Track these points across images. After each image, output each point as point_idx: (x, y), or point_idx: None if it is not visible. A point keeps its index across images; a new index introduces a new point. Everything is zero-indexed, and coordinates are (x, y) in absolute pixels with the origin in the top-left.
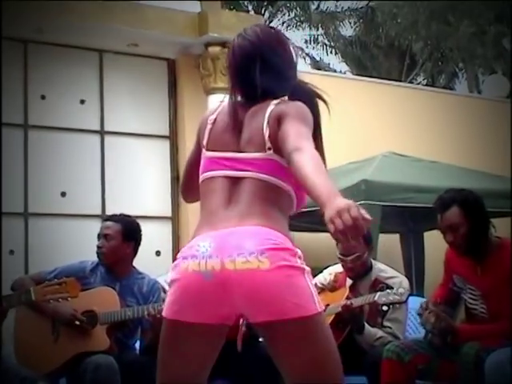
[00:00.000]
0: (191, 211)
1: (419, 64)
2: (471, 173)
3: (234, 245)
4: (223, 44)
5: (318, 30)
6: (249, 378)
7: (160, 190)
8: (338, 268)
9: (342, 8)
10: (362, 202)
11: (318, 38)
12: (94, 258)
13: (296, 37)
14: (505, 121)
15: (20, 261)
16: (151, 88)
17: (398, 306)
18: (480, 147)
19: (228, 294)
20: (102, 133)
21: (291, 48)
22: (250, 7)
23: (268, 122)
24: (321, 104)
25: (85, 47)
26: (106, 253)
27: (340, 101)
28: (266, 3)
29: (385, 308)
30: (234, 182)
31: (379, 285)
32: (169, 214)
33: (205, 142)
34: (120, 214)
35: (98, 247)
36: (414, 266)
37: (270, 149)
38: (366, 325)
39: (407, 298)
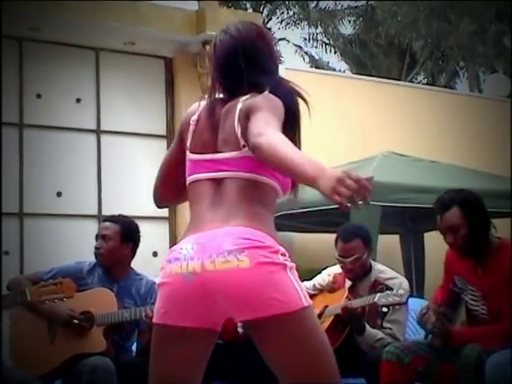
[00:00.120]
0: (188, 211)
1: (419, 63)
2: (471, 173)
3: (213, 246)
4: None
5: (317, 28)
6: (248, 379)
7: None
8: (337, 269)
9: (342, 6)
10: (362, 202)
11: (317, 37)
12: (91, 259)
13: (295, 35)
14: (506, 120)
15: (15, 261)
16: (148, 87)
17: (397, 307)
18: (480, 147)
19: (210, 295)
20: (98, 132)
21: (273, 45)
22: (248, 5)
23: (239, 119)
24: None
25: (81, 45)
26: (104, 254)
27: (339, 100)
28: (264, 1)
29: (384, 309)
30: (218, 183)
31: (379, 286)
32: (166, 214)
33: (188, 144)
34: (118, 215)
35: (96, 248)
36: (413, 267)
37: (244, 146)
38: (367, 326)
39: (407, 299)
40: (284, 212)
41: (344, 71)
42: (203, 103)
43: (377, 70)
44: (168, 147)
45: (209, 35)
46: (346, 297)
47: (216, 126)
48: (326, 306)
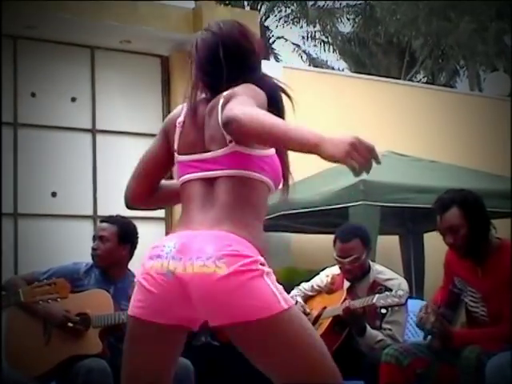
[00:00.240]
0: None
1: (419, 61)
2: (472, 173)
3: (195, 248)
4: None
5: (315, 26)
6: (245, 381)
7: None
8: (336, 270)
9: (340, 4)
10: (361, 202)
11: (315, 35)
12: (86, 260)
13: (293, 33)
14: (506, 119)
15: (9, 262)
16: (144, 86)
17: (397, 308)
18: (481, 146)
19: (187, 296)
20: (93, 131)
21: (256, 41)
22: (245, 3)
23: (221, 115)
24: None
25: (76, 44)
26: (101, 255)
27: (338, 99)
28: None
29: (383, 311)
30: (209, 182)
31: (377, 287)
32: (162, 214)
33: (176, 147)
34: (116, 216)
35: (93, 249)
36: (413, 267)
37: (231, 141)
38: (368, 327)
39: (406, 301)
40: (282, 212)
41: (343, 70)
42: (187, 105)
43: (376, 68)
44: None
45: (201, 33)
46: (345, 298)
47: (201, 126)
48: (325, 308)
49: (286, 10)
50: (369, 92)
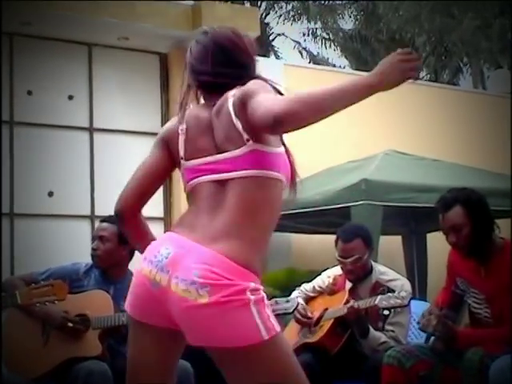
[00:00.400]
0: (184, 211)
1: (422, 58)
2: (475, 171)
3: (184, 267)
4: None
5: (316, 23)
6: None
7: None
8: (337, 270)
9: (342, 0)
10: (363, 202)
11: (316, 32)
12: (83, 260)
13: (293, 30)
14: (510, 117)
15: (5, 263)
16: (143, 83)
17: (400, 309)
18: (484, 145)
19: (168, 309)
20: (91, 130)
21: (249, 42)
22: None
23: (235, 113)
24: None
25: (73, 41)
26: (101, 255)
27: None
28: None
29: (386, 312)
30: (221, 185)
31: (380, 288)
32: (161, 214)
33: (182, 154)
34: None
35: (93, 249)
36: (416, 268)
37: (248, 140)
38: (371, 329)
39: (409, 302)
40: (282, 212)
41: (344, 67)
42: (187, 113)
43: None
44: None
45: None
46: (347, 299)
47: (208, 129)
48: (326, 309)
49: (286, 7)
50: None
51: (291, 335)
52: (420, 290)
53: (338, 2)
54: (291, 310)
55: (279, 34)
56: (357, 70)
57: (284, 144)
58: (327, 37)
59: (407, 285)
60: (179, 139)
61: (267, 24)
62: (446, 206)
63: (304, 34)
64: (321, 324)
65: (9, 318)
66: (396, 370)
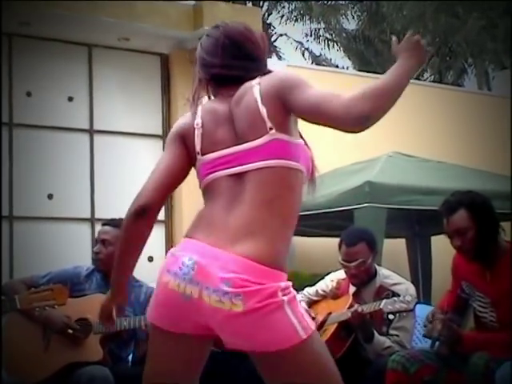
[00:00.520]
0: (185, 215)
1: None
2: (480, 173)
3: (213, 278)
4: None
5: (319, 23)
6: None
7: None
8: (341, 274)
9: (345, 0)
10: (366, 204)
11: (319, 32)
12: (83, 263)
13: (296, 31)
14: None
15: (5, 266)
16: (143, 84)
17: (404, 314)
18: (490, 147)
19: (203, 320)
20: (91, 132)
21: (261, 36)
22: None
23: (262, 101)
24: None
25: (73, 41)
26: (103, 259)
27: None
28: None
29: (391, 317)
30: (238, 179)
31: (384, 292)
32: (161, 217)
33: (198, 148)
34: (119, 219)
35: (95, 253)
36: (420, 271)
37: (271, 128)
38: (375, 333)
39: (414, 306)
40: None
41: (347, 68)
42: (201, 108)
43: (382, 66)
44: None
45: (207, 31)
46: (351, 303)
47: (226, 122)
48: (330, 313)
49: (289, 7)
50: None
51: None
52: (424, 294)
53: (341, 2)
54: None
55: (281, 35)
56: (360, 70)
57: (302, 137)
58: (330, 37)
59: (412, 289)
60: (195, 134)
61: (269, 24)
62: (450, 210)
63: (307, 35)
64: (324, 328)
65: (9, 322)
66: (400, 375)
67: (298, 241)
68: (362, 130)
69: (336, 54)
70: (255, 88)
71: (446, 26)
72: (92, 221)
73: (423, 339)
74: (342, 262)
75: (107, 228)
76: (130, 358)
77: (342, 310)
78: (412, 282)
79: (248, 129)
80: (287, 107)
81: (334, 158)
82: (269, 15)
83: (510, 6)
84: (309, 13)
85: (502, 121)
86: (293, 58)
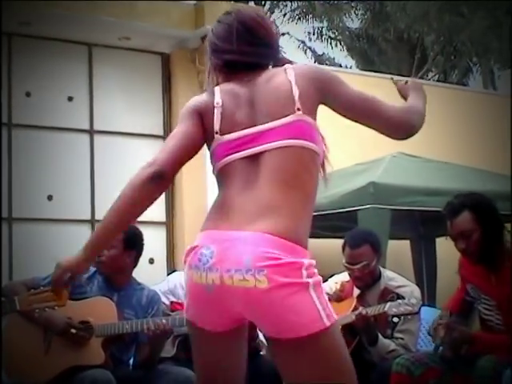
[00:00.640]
0: (187, 216)
1: (430, 58)
2: (485, 174)
3: (233, 259)
4: None
5: (322, 22)
6: None
7: None
8: (345, 277)
9: (348, 0)
10: (370, 205)
11: (321, 31)
12: None
13: (298, 29)
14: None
15: (4, 268)
16: (144, 84)
17: (409, 316)
18: (495, 147)
19: (230, 306)
20: (91, 132)
21: (272, 23)
22: None
23: (296, 83)
24: None
25: (73, 40)
26: (106, 262)
27: None
28: None
29: (395, 319)
30: (254, 160)
31: (389, 294)
32: (163, 218)
33: (218, 128)
34: None
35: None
36: (425, 273)
37: (299, 109)
38: (380, 336)
39: (419, 309)
40: None
41: (350, 67)
42: (220, 87)
43: (385, 66)
44: None
45: (208, 30)
46: (355, 306)
47: (248, 104)
48: None
49: (291, 6)
50: (378, 90)
51: None
52: (429, 296)
53: (344, 2)
54: None
55: (283, 34)
56: (363, 69)
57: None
58: (333, 36)
59: (416, 291)
60: (215, 113)
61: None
62: (454, 212)
63: (309, 33)
64: None
65: (10, 324)
66: (405, 378)
67: None
68: (405, 139)
69: (339, 53)
70: (289, 70)
71: (451, 24)
72: (92, 222)
73: (428, 342)
74: (346, 264)
75: None
76: (131, 361)
77: (345, 312)
78: (416, 284)
79: (274, 108)
80: (327, 99)
81: (337, 159)
82: (271, 14)
83: (510, 6)
84: (311, 11)
85: (508, 120)
86: (295, 57)
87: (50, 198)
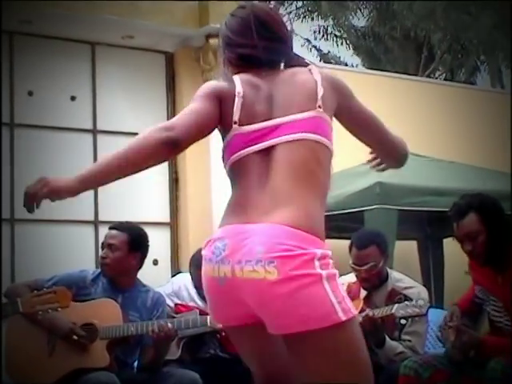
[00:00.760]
0: (192, 216)
1: (438, 57)
2: (493, 174)
3: (245, 250)
4: None
5: (327, 20)
6: None
7: (157, 194)
8: (351, 278)
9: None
10: (377, 206)
11: (327, 29)
12: (87, 267)
13: (303, 28)
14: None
15: (6, 270)
16: (148, 83)
17: (417, 318)
18: (503, 146)
19: (242, 300)
20: (94, 132)
21: (285, 19)
22: None
23: (322, 84)
24: None
25: (76, 39)
26: (111, 264)
27: None
28: None
29: (403, 321)
30: (267, 155)
31: (396, 296)
32: (167, 219)
33: (237, 118)
34: (126, 222)
35: (102, 258)
36: (432, 274)
37: (320, 107)
38: (387, 338)
39: (427, 311)
40: None
41: (357, 66)
42: (240, 77)
43: (392, 64)
44: None
45: (212, 28)
46: (362, 308)
47: (267, 97)
48: None
49: (296, 4)
50: (384, 89)
51: None
52: (436, 297)
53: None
54: None
55: None
56: (369, 68)
57: None
58: (339, 34)
59: (424, 292)
60: (236, 102)
61: None
62: (460, 214)
63: (315, 32)
64: None
65: (13, 326)
66: (413, 381)
67: None
68: (399, 167)
69: (345, 52)
70: (315, 70)
71: (458, 22)
72: (95, 223)
73: (436, 344)
74: (353, 265)
75: (114, 232)
76: (136, 364)
77: None
78: (424, 286)
79: (295, 103)
80: (341, 109)
81: (343, 159)
82: None
83: None
84: (317, 10)
85: None
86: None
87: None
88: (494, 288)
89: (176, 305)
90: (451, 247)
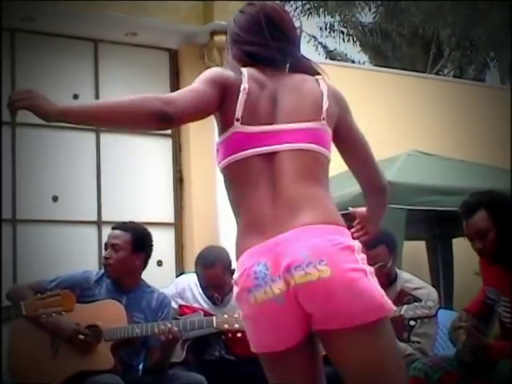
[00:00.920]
0: (196, 217)
1: (446, 53)
2: (504, 172)
3: (289, 260)
4: None
5: (334, 16)
6: None
7: (161, 194)
8: None
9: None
10: None
11: (334, 26)
12: (90, 268)
13: (309, 24)
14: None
15: (8, 271)
16: (151, 81)
17: (426, 320)
18: None
19: (301, 309)
20: (97, 131)
21: (292, 18)
22: None
23: (327, 96)
24: None
25: (78, 36)
26: (114, 265)
27: (358, 94)
28: None
29: (412, 323)
30: (270, 159)
31: (405, 297)
32: (171, 219)
33: (239, 115)
34: (129, 222)
35: (105, 258)
36: (441, 275)
37: (324, 119)
38: (396, 339)
39: (437, 312)
40: None
41: (364, 63)
42: (246, 73)
43: (400, 61)
44: (173, 147)
45: (217, 25)
46: None
47: (271, 98)
48: None
49: (302, 1)
50: (392, 87)
51: None
52: (446, 298)
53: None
54: None
55: None
56: (377, 65)
57: None
58: (346, 31)
59: (434, 293)
60: (240, 97)
61: None
62: (470, 211)
63: (321, 29)
64: None
65: (16, 329)
66: (423, 383)
67: None
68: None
69: (352, 49)
70: (322, 82)
71: (467, 19)
72: (99, 224)
73: (446, 346)
74: None
75: (117, 232)
76: (141, 366)
77: None
78: (433, 286)
79: (299, 111)
80: (340, 126)
81: None
82: None
83: None
84: (323, 6)
85: None
86: (306, 52)
87: (55, 198)
88: (505, 288)
89: (180, 306)
90: (460, 247)
